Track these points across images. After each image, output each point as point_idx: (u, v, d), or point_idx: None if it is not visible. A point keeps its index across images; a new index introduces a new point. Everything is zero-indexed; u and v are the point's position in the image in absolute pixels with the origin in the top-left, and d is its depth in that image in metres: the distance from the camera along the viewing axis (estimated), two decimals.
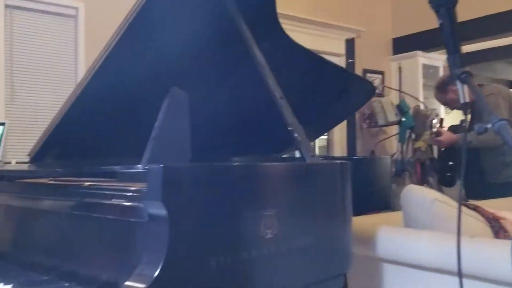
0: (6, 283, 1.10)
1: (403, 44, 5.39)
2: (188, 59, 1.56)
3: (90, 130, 1.83)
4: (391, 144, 5.13)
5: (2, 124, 1.89)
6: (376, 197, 2.29)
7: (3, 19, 3.23)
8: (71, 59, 3.55)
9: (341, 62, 4.79)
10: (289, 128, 1.29)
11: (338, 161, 1.27)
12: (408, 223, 1.62)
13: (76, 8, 3.52)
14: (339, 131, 4.82)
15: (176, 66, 1.56)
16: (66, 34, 3.53)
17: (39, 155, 1.92)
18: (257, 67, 1.38)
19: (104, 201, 1.03)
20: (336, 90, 2.12)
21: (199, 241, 0.92)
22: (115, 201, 1.01)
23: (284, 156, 2.15)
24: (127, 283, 0.85)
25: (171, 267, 0.87)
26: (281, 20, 1.64)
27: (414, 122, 4.51)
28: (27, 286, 1.05)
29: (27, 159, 1.98)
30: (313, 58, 1.87)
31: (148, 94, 1.63)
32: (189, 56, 1.54)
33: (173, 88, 1.04)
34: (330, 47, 4.75)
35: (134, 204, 0.96)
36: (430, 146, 4.31)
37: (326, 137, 4.83)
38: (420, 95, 5.14)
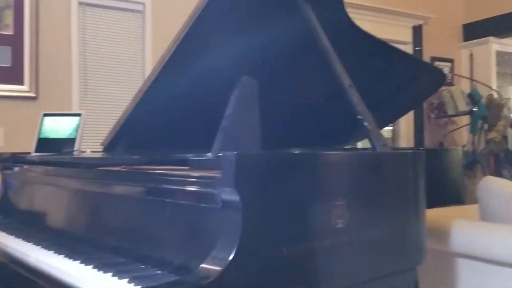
0: (86, 264, 1.16)
1: (475, 30, 5.12)
2: (254, 50, 1.56)
3: (159, 122, 1.90)
4: (461, 135, 4.91)
5: (79, 115, 1.98)
6: (447, 190, 2.20)
7: (76, 15, 3.40)
8: (139, 53, 3.68)
9: (407, 50, 4.64)
10: (358, 117, 1.27)
11: (411, 151, 1.23)
12: (485, 217, 1.54)
13: (143, 4, 3.64)
14: (406, 122, 4.67)
15: (243, 56, 1.57)
16: (134, 29, 3.67)
17: (111, 145, 2.02)
18: (324, 54, 1.37)
19: (178, 187, 1.06)
20: (404, 78, 2.05)
21: (271, 228, 0.93)
22: (188, 188, 1.04)
23: (346, 147, 2.12)
24: (203, 265, 0.87)
25: (245, 252, 0.88)
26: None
27: (487, 111, 4.28)
28: (106, 267, 1.11)
29: (100, 148, 2.08)
30: (380, 45, 1.82)
31: (216, 86, 1.65)
32: (255, 46, 1.55)
33: (244, 77, 1.05)
34: (396, 35, 4.61)
35: (207, 190, 0.98)
36: (505, 137, 4.08)
37: (391, 128, 4.70)
38: (493, 84, 4.88)
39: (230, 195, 0.91)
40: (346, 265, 1.07)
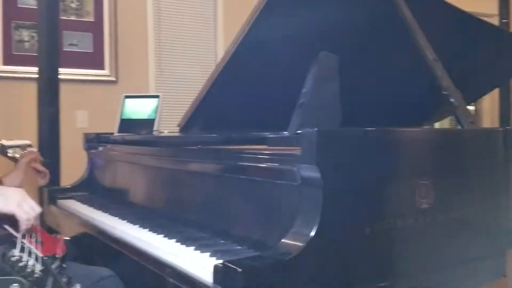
0: (169, 238, 1.21)
1: None
2: (332, 24, 1.53)
3: (233, 103, 1.92)
4: None
5: (157, 96, 2.05)
6: None
7: (151, 0, 3.50)
8: (211, 35, 3.74)
9: (493, 23, 4.34)
10: (444, 93, 1.20)
11: (502, 128, 1.15)
12: None
13: None
14: (490, 100, 4.39)
15: (320, 31, 1.54)
16: (206, 11, 3.72)
17: (187, 126, 2.08)
18: (406, 28, 1.30)
19: (257, 164, 1.07)
20: (489, 53, 1.92)
21: (352, 206, 0.92)
22: (267, 165, 1.04)
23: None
24: (284, 240, 0.88)
25: (325, 229, 0.87)
26: None
27: None
28: (188, 240, 1.15)
29: (176, 130, 2.15)
30: (464, 18, 1.71)
31: (292, 63, 1.64)
32: (333, 21, 1.51)
33: (322, 52, 1.03)
34: (480, 7, 4.32)
35: (286, 167, 0.98)
36: None
37: (473, 107, 4.44)
38: None
39: (311, 172, 0.90)
40: (430, 247, 1.04)
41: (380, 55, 1.41)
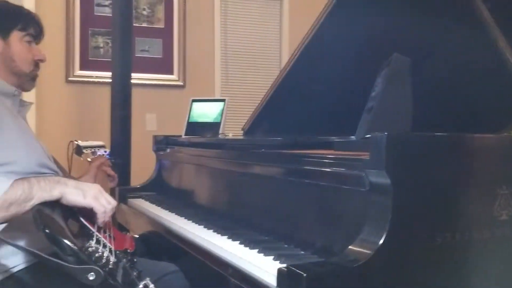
0: (233, 240, 1.22)
1: None
2: (401, 27, 1.48)
3: (297, 106, 1.91)
4: None
5: (223, 100, 2.09)
6: None
7: (219, 7, 3.58)
8: (276, 40, 3.76)
9: None
10: None
11: None
12: None
13: None
14: None
15: (389, 33, 1.50)
16: (272, 17, 3.74)
17: (251, 130, 2.09)
18: (482, 26, 1.23)
19: (323, 169, 1.05)
20: None
21: (424, 214, 0.88)
22: (334, 169, 1.02)
23: None
24: (351, 247, 0.86)
25: (395, 237, 0.84)
26: None
27: None
28: (252, 243, 1.15)
29: (241, 133, 2.18)
30: None
31: (359, 67, 1.61)
32: (403, 22, 1.46)
33: (395, 54, 1.00)
34: None
35: (354, 172, 0.96)
36: None
37: None
38: None
39: (380, 177, 0.87)
40: (508, 263, 0.97)
41: (455, 57, 1.34)
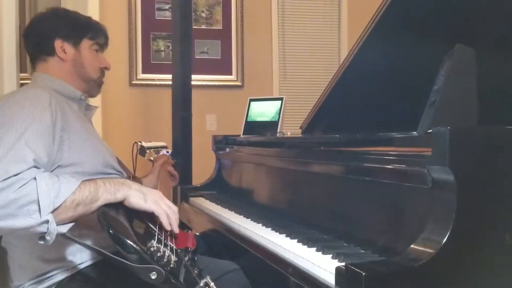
0: (291, 238, 1.22)
1: None
2: (464, 18, 1.41)
3: (356, 104, 1.87)
4: None
5: (281, 99, 2.08)
6: None
7: (276, 6, 3.58)
8: (335, 37, 3.70)
9: None
10: None
11: None
12: None
13: None
14: None
15: (450, 26, 1.43)
16: (330, 13, 3.69)
17: (309, 128, 2.08)
18: None
19: (383, 166, 1.03)
20: None
21: (490, 211, 0.83)
22: (394, 166, 0.99)
23: None
24: (413, 246, 0.83)
25: (459, 236, 0.80)
26: None
27: None
28: (310, 241, 1.14)
29: (299, 132, 2.16)
30: None
31: (420, 61, 1.55)
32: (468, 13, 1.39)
33: (458, 45, 0.95)
34: None
35: (415, 169, 0.92)
36: None
37: None
38: None
39: (443, 174, 0.84)
40: None
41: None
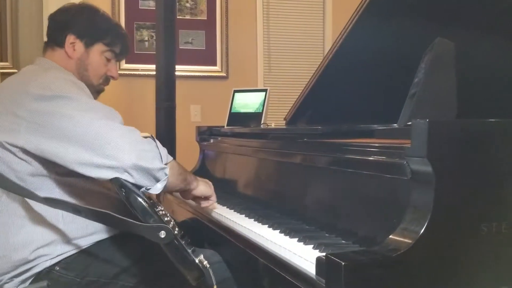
0: (274, 228, 1.23)
1: None
2: (446, 11, 1.42)
3: (339, 96, 1.88)
4: None
5: (265, 90, 2.09)
6: None
7: None
8: (320, 29, 3.71)
9: None
10: None
11: None
12: None
13: None
14: None
15: (432, 18, 1.45)
16: (315, 5, 3.70)
17: (293, 120, 2.09)
18: None
19: (364, 157, 1.04)
20: None
21: (468, 203, 0.85)
22: (375, 158, 1.01)
23: None
24: (392, 236, 0.84)
25: (437, 226, 0.82)
26: None
27: None
28: (292, 232, 1.15)
29: (283, 123, 2.17)
30: None
31: (401, 54, 1.56)
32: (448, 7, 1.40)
33: (438, 39, 0.96)
34: None
35: (395, 160, 0.94)
36: None
37: None
38: None
39: (421, 166, 0.85)
40: None
41: (499, 42, 1.28)
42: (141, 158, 1.13)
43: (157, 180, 1.17)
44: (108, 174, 1.12)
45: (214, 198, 1.45)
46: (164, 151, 1.23)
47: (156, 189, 1.17)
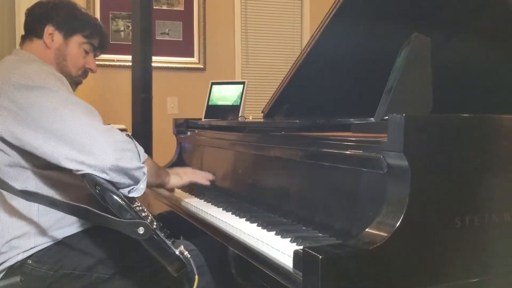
0: (251, 222, 1.23)
1: None
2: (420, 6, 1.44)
3: (317, 89, 1.89)
4: None
5: (243, 83, 2.08)
6: None
7: None
8: (297, 22, 3.71)
9: None
10: None
11: None
12: None
13: None
14: None
15: (409, 14, 1.46)
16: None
17: (271, 112, 2.09)
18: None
19: (341, 151, 1.04)
20: None
21: (442, 197, 0.86)
22: (352, 152, 1.01)
23: None
24: (368, 230, 0.85)
25: (412, 220, 0.83)
26: None
27: None
28: (269, 225, 1.15)
29: (261, 115, 2.17)
30: None
31: (378, 48, 1.58)
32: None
33: (414, 34, 0.97)
34: None
35: (372, 154, 0.95)
36: None
37: None
38: None
39: (397, 160, 0.86)
40: None
41: (474, 40, 1.30)
42: (120, 158, 1.13)
43: (135, 179, 1.16)
44: (83, 169, 1.10)
45: (202, 181, 1.59)
46: (141, 149, 1.24)
47: (139, 190, 1.17)
